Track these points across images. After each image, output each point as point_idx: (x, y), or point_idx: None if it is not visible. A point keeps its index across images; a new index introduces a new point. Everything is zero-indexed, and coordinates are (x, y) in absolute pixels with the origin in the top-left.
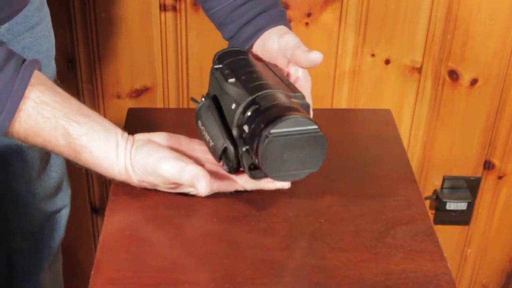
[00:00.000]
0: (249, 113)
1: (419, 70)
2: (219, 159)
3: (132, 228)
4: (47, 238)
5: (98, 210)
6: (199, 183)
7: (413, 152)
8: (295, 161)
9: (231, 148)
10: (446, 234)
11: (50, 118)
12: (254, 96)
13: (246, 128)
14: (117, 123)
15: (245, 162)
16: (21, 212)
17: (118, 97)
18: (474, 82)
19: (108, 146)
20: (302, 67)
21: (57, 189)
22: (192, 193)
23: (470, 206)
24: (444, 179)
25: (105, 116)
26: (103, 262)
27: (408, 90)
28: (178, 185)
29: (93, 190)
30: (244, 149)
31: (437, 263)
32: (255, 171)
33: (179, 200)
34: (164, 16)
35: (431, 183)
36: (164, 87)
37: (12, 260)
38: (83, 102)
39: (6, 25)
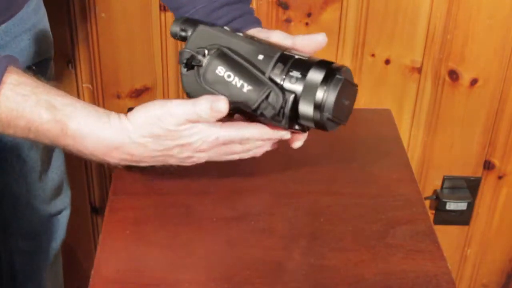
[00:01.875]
0: (291, 63)
1: (419, 70)
2: (258, 104)
3: (132, 228)
4: (48, 240)
5: (98, 210)
6: (218, 102)
7: (413, 152)
8: (343, 110)
9: (277, 92)
10: (446, 234)
11: (30, 95)
12: (282, 50)
13: (295, 73)
14: None
15: (288, 109)
16: (21, 213)
17: (118, 97)
18: (474, 82)
19: (98, 112)
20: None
21: (58, 190)
22: (204, 147)
23: (470, 206)
24: (444, 179)
25: None
26: (103, 262)
27: (408, 90)
28: (189, 138)
29: (93, 190)
30: (292, 96)
31: (437, 263)
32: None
33: (179, 200)
34: (164, 16)
35: (431, 183)
36: (164, 87)
37: (13, 261)
38: None
39: (3, 26)
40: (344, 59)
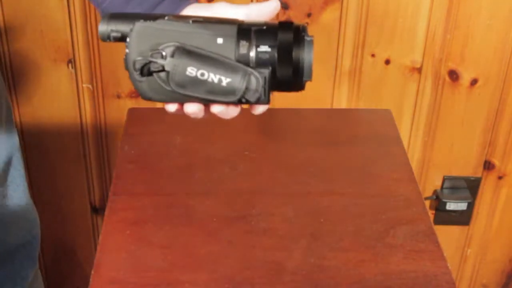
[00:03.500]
0: (255, 36)
1: (419, 70)
2: (242, 93)
3: (132, 228)
4: (9, 276)
5: (98, 210)
6: None
7: (413, 152)
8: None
9: (256, 75)
10: (446, 234)
11: None
12: (238, 24)
13: (264, 48)
14: (117, 123)
15: (267, 87)
16: None
17: (118, 97)
18: (474, 82)
19: None
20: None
21: (19, 219)
22: None
23: (470, 206)
24: (444, 179)
25: (105, 116)
26: (103, 262)
27: (408, 90)
28: None
29: (93, 190)
30: (268, 71)
31: (437, 263)
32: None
33: (179, 200)
34: None
35: (431, 183)
36: None
37: None
38: (83, 102)
39: None
40: (344, 59)
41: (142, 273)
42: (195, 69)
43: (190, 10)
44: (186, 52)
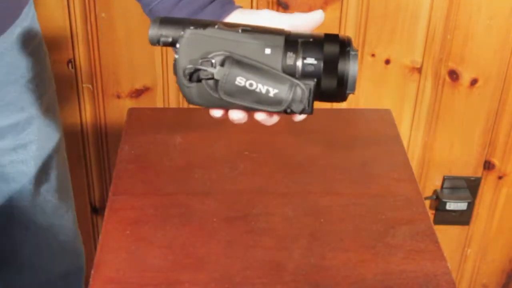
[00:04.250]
0: (302, 48)
1: (419, 70)
2: (288, 103)
3: (132, 228)
4: None
5: (98, 210)
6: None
7: (413, 152)
8: None
9: (302, 86)
10: (446, 234)
11: None
12: (285, 35)
13: (311, 60)
14: (117, 123)
15: (312, 98)
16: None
17: (118, 97)
18: (474, 82)
19: None
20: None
21: (65, 251)
22: None
23: (470, 206)
24: (444, 179)
25: (105, 116)
26: (103, 262)
27: (408, 90)
28: None
29: (93, 190)
30: (313, 83)
31: (437, 263)
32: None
33: (179, 200)
34: None
35: (431, 183)
36: (164, 87)
37: None
38: (83, 102)
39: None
40: None
41: (142, 273)
42: (244, 79)
43: (236, 15)
44: (235, 61)
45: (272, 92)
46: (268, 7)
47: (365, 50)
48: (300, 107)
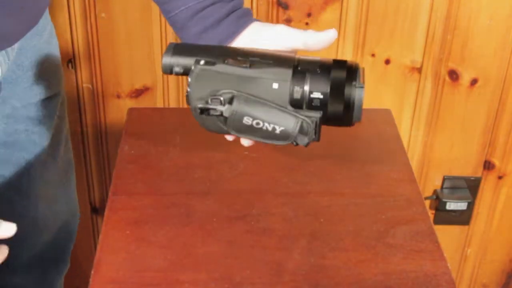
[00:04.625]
0: (308, 81)
1: (419, 70)
2: (293, 139)
3: (132, 228)
4: (50, 273)
5: (98, 210)
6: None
7: (413, 152)
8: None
9: (307, 121)
10: (446, 234)
11: None
12: (293, 67)
13: (317, 94)
14: (117, 123)
15: (319, 128)
16: (24, 250)
17: (118, 97)
18: (474, 82)
19: None
20: (318, 50)
21: (66, 221)
22: None
23: (470, 206)
24: (444, 179)
25: (105, 116)
26: (103, 262)
27: (408, 90)
28: None
29: (93, 190)
30: (319, 115)
31: (437, 263)
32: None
33: (179, 200)
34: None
35: (431, 183)
36: (164, 87)
37: None
38: (83, 102)
39: (16, 60)
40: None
41: (142, 273)
42: (251, 119)
43: (252, 30)
44: (243, 100)
45: (279, 129)
46: (268, 7)
47: (365, 50)
48: (306, 140)
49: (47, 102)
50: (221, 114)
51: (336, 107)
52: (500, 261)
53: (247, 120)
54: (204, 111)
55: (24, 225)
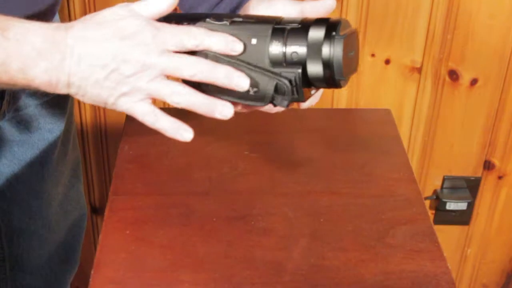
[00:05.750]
0: (287, 36)
1: (419, 70)
2: (270, 100)
3: (132, 228)
4: (60, 274)
5: (98, 210)
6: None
7: (413, 152)
8: (351, 61)
9: (285, 81)
10: (446, 234)
11: None
12: (273, 24)
13: (295, 47)
14: (117, 123)
15: (300, 86)
16: (33, 249)
17: None
18: (474, 82)
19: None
20: None
21: (75, 221)
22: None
23: (470, 206)
24: (444, 179)
25: (105, 116)
26: (103, 262)
27: (408, 90)
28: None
29: (93, 190)
30: (298, 71)
31: (437, 263)
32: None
33: (179, 200)
34: None
35: (431, 183)
36: None
37: None
38: (83, 102)
39: None
40: None
41: (142, 273)
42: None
43: (251, 6)
44: (214, 59)
45: (252, 90)
46: None
47: (365, 50)
48: (286, 102)
49: (59, 100)
50: None
51: (314, 61)
52: (500, 261)
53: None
54: None
55: (36, 225)
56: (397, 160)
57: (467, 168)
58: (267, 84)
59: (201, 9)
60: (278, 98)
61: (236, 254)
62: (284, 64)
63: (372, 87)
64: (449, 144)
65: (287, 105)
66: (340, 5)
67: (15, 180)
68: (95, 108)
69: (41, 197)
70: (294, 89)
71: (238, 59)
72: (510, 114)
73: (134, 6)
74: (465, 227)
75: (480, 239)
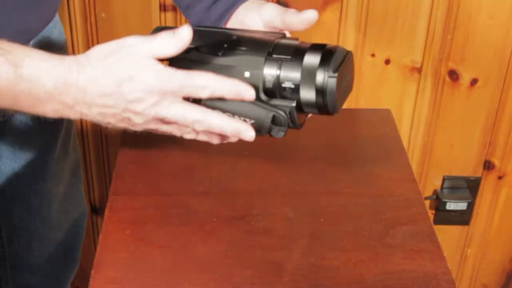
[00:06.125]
0: (280, 70)
1: (419, 70)
2: (267, 131)
3: (132, 228)
4: (60, 273)
5: (98, 210)
6: (181, 29)
7: (413, 152)
8: (345, 87)
9: (281, 113)
10: (446, 234)
11: None
12: (266, 54)
13: (288, 84)
14: None
15: (295, 117)
16: (34, 248)
17: None
18: (474, 82)
19: (50, 54)
20: (298, 30)
21: (76, 220)
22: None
23: (470, 206)
24: (444, 179)
25: None
26: (103, 262)
27: (408, 90)
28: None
29: (93, 190)
30: (293, 104)
31: (437, 263)
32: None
33: (179, 200)
34: (164, 16)
35: (431, 183)
36: None
37: None
38: None
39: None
40: None
41: (142, 273)
42: (222, 111)
43: (243, 10)
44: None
45: (249, 122)
46: None
47: (365, 50)
48: (281, 133)
49: None
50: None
51: (308, 98)
52: (500, 261)
53: (218, 112)
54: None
55: (37, 224)
56: (397, 160)
57: (467, 168)
58: (265, 117)
59: (199, 7)
60: (275, 129)
61: (236, 254)
62: (278, 96)
63: (372, 87)
64: (449, 144)
65: (284, 135)
66: (340, 5)
67: (16, 179)
68: None
69: (41, 196)
70: (289, 120)
71: None
72: (510, 114)
73: (146, 48)
74: (465, 227)
75: (480, 239)
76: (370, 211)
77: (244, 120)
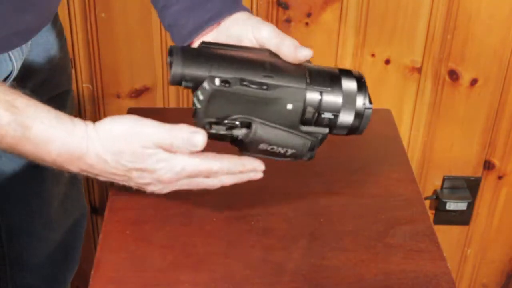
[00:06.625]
0: (321, 101)
1: (419, 70)
2: (301, 158)
3: (132, 228)
4: (60, 272)
5: (98, 210)
6: (197, 135)
7: (413, 152)
8: None
9: (315, 140)
10: (446, 234)
11: None
12: (305, 84)
13: (328, 114)
14: None
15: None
16: (33, 248)
17: (118, 97)
18: (474, 82)
19: (62, 118)
20: (288, 61)
21: (75, 220)
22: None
23: (470, 206)
24: (444, 179)
25: (105, 116)
26: (103, 262)
27: (408, 90)
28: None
29: (93, 190)
30: (327, 131)
31: (437, 263)
32: None
33: (179, 200)
34: None
35: (431, 183)
36: (164, 87)
37: None
38: (83, 102)
39: (25, 58)
40: (344, 59)
41: (142, 273)
42: (267, 145)
43: (232, 23)
44: (259, 127)
45: (289, 152)
46: (268, 7)
47: (365, 50)
48: (309, 156)
49: (58, 98)
50: (236, 138)
51: (345, 122)
52: (500, 261)
53: (262, 146)
54: (217, 135)
55: (36, 224)
56: (397, 160)
57: (467, 168)
58: (303, 145)
59: (175, 9)
60: (308, 154)
61: (236, 254)
62: (313, 124)
63: (372, 87)
64: (449, 144)
65: (310, 158)
66: (340, 5)
67: (16, 179)
68: (95, 108)
69: (41, 196)
70: (317, 147)
71: (276, 123)
72: (510, 114)
73: (158, 142)
74: (465, 227)
75: (480, 239)
76: (370, 211)
77: (286, 151)
